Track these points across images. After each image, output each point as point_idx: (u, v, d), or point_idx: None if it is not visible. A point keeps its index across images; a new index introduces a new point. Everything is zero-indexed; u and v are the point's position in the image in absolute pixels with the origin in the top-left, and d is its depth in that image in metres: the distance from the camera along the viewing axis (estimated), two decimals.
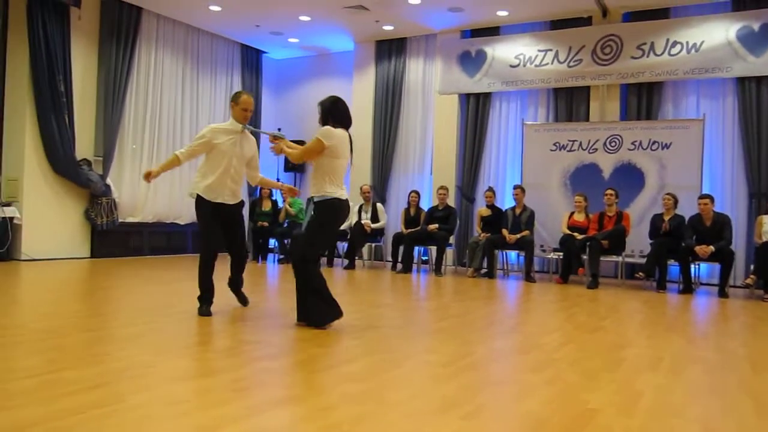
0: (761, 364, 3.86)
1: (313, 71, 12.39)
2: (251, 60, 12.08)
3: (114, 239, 9.87)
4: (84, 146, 9.39)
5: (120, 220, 9.79)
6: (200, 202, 4.88)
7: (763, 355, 4.19)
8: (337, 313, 4.46)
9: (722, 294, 7.49)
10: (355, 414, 2.58)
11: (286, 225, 10.36)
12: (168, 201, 10.62)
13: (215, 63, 11.46)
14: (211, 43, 11.36)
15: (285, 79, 12.71)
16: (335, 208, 4.46)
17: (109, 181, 9.58)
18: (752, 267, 7.71)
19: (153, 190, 10.30)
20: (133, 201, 10.12)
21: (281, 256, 10.22)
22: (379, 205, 10.19)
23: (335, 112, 4.56)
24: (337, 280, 8.01)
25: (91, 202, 9.47)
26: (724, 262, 7.60)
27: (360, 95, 11.43)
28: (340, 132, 4.46)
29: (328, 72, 12.17)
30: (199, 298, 4.89)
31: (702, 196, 7.87)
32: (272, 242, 10.74)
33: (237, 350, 3.71)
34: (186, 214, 10.85)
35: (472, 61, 10.45)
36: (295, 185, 10.97)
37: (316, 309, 4.42)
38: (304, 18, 10.25)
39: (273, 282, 7.87)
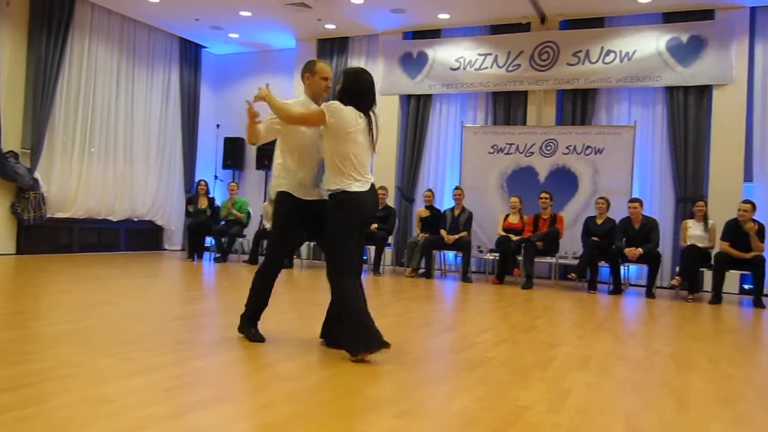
0: (684, 362, 4.01)
1: (254, 68, 12.24)
2: (190, 54, 11.86)
3: (42, 235, 9.51)
4: (11, 138, 9.00)
5: (48, 216, 9.44)
6: (287, 200, 3.94)
7: (685, 353, 4.36)
8: (371, 343, 3.50)
9: (650, 294, 7.78)
10: (289, 412, 2.56)
11: (223, 223, 10.20)
12: (100, 196, 10.30)
13: (152, 56, 11.18)
14: (148, 36, 11.08)
15: (225, 75, 12.51)
16: (345, 202, 3.65)
17: (37, 174, 9.23)
18: (677, 269, 8.03)
19: (85, 184, 9.98)
20: (63, 196, 9.77)
21: (218, 255, 10.05)
22: None
23: (354, 88, 3.78)
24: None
25: (17, 196, 9.10)
26: (652, 264, 7.89)
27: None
28: (348, 111, 3.68)
29: (269, 69, 12.05)
30: (248, 318, 4.02)
31: (632, 200, 8.16)
32: (209, 240, 10.55)
33: (169, 349, 3.63)
34: (119, 209, 10.56)
35: (413, 63, 10.53)
36: (234, 181, 10.80)
37: (347, 334, 3.62)
38: (245, 13, 10.12)
39: (209, 281, 7.73)
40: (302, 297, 6.42)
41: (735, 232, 7.60)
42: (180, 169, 11.72)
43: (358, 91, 3.76)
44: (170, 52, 11.53)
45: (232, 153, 11.90)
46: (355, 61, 11.13)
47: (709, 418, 2.81)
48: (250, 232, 10.42)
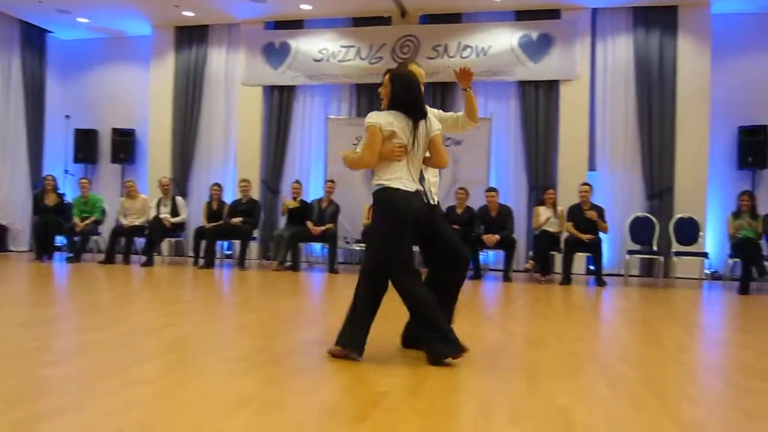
0: (535, 341, 4.27)
1: (106, 55, 11.53)
2: (33, 39, 10.96)
3: None
4: None
5: None
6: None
7: (537, 332, 4.63)
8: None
9: (506, 278, 8.20)
10: (141, 417, 2.46)
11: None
12: None
13: None
14: None
15: (74, 62, 11.68)
16: (386, 200, 3.50)
17: None
18: (530, 253, 8.52)
19: None
20: None
21: (70, 255, 9.40)
22: (179, 198, 9.76)
23: (396, 91, 3.60)
24: (134, 277, 7.57)
25: None
26: (508, 250, 8.32)
27: (158, 83, 10.88)
28: (384, 114, 3.56)
29: (123, 57, 11.43)
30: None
31: (489, 189, 8.56)
32: (60, 240, 9.85)
33: (14, 358, 3.36)
34: None
35: (276, 53, 10.39)
36: (86, 177, 10.16)
37: (345, 330, 3.59)
38: None
39: (60, 282, 7.24)
40: (164, 295, 6.17)
41: (577, 214, 8.23)
42: (25, 163, 10.84)
43: (399, 95, 3.59)
44: (11, 37, 10.58)
45: (85, 146, 11.17)
46: (216, 51, 10.80)
47: (555, 391, 3.00)
48: (106, 229, 9.84)
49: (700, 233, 8.67)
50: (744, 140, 9.15)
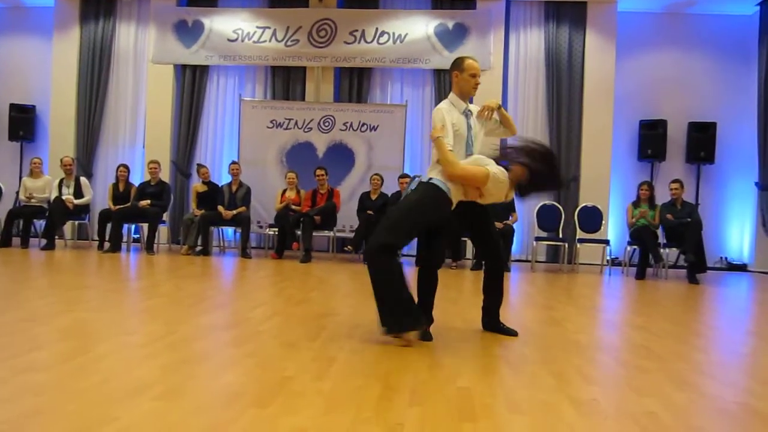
0: (442, 325, 4.32)
1: (4, 26, 10.87)
2: None
3: None
4: None
5: None
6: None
7: (444, 316, 4.70)
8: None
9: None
10: (32, 406, 2.34)
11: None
12: None
13: None
14: None
15: None
16: (442, 194, 3.76)
17: None
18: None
19: None
20: None
21: None
22: (83, 179, 9.33)
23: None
24: (32, 262, 7.20)
25: None
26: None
27: (61, 58, 10.34)
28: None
29: (22, 28, 10.80)
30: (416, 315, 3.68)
31: (402, 176, 8.63)
32: None
33: None
34: None
35: (188, 32, 10.08)
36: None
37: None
38: None
39: None
40: (64, 281, 5.90)
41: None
42: None
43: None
44: None
45: None
46: (124, 26, 10.37)
47: (458, 372, 3.07)
48: (3, 211, 9.30)
49: (603, 221, 9.07)
50: (644, 133, 9.62)
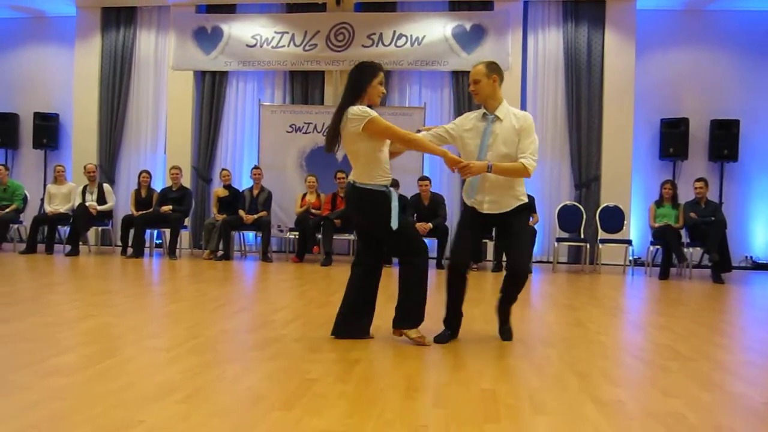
0: (463, 326, 4.29)
1: (26, 36, 11.02)
2: None
3: None
4: None
5: None
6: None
7: (465, 318, 4.67)
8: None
9: (439, 266, 8.29)
10: (57, 410, 2.37)
11: None
12: None
13: None
14: None
15: None
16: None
17: None
18: None
19: None
20: None
21: None
22: (106, 185, 9.44)
23: None
24: (57, 267, 7.30)
25: None
26: (441, 237, 8.41)
27: (83, 66, 10.47)
28: None
29: (45, 38, 10.95)
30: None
31: (422, 178, 8.62)
32: None
33: None
34: None
35: (208, 38, 10.16)
36: (3, 163, 9.70)
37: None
38: None
39: None
40: (89, 285, 5.97)
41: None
42: None
43: None
44: None
45: (4, 130, 10.65)
46: (145, 33, 10.49)
47: (481, 374, 3.06)
48: (28, 218, 9.42)
49: (625, 221, 8.99)
50: (666, 132, 9.52)
